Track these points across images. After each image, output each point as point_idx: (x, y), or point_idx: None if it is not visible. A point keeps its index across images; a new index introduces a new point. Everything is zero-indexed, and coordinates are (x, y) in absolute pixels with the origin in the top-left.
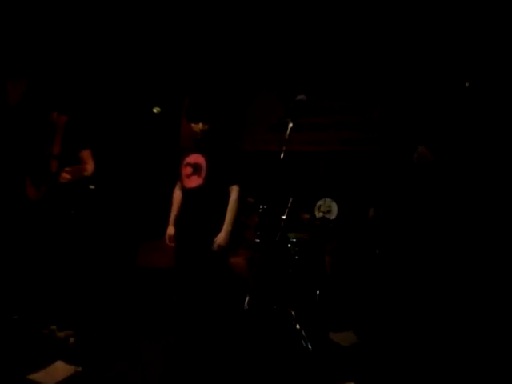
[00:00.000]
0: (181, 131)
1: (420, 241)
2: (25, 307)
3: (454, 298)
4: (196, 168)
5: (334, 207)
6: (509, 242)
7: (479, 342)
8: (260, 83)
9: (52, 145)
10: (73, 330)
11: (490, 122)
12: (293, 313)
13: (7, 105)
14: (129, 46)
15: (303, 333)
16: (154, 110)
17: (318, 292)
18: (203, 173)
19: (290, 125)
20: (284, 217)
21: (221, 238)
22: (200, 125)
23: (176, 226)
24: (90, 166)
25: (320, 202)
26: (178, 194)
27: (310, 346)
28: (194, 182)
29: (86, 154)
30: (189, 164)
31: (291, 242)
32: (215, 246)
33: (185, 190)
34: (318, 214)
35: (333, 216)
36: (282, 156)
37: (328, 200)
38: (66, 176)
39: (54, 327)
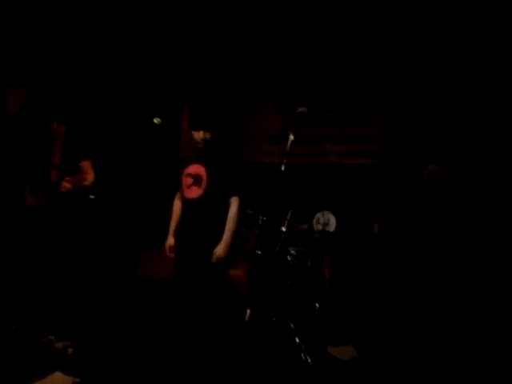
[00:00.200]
0: (180, 142)
1: (431, 258)
2: (23, 317)
3: (459, 317)
4: (196, 179)
5: (333, 220)
6: None
7: (486, 361)
8: (259, 95)
9: (52, 154)
10: (71, 341)
11: (499, 134)
12: (292, 325)
13: (6, 114)
14: (129, 56)
15: (302, 346)
16: (155, 121)
17: (317, 305)
18: (204, 183)
19: (291, 137)
20: (284, 229)
21: (220, 249)
22: (201, 133)
23: (176, 236)
24: (89, 176)
25: (318, 215)
26: (177, 205)
27: (309, 360)
28: (195, 192)
29: (86, 164)
30: (189, 174)
31: (291, 255)
32: (214, 257)
33: (185, 201)
34: (317, 227)
35: (331, 229)
36: (282, 168)
37: (326, 212)
38: (66, 185)
39: (52, 337)
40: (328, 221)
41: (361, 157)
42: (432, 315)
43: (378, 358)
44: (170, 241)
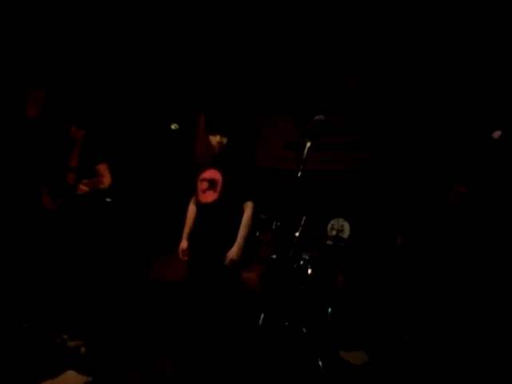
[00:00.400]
0: (195, 147)
1: (455, 272)
2: (36, 316)
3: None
4: (212, 183)
5: (347, 227)
6: None
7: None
8: (276, 103)
9: (70, 158)
10: (84, 340)
11: None
12: (304, 330)
13: (25, 117)
14: (147, 62)
15: (314, 350)
16: (172, 127)
17: (329, 310)
18: (219, 188)
19: (308, 144)
20: (297, 234)
21: (233, 252)
22: (218, 137)
23: (190, 240)
24: (106, 179)
25: (333, 222)
26: (192, 209)
27: (320, 364)
28: (210, 197)
29: (103, 168)
30: (205, 179)
31: (304, 260)
32: (227, 260)
33: (200, 205)
34: (331, 233)
35: (345, 235)
36: (299, 175)
37: (341, 220)
38: (82, 188)
39: (65, 336)
40: (342, 227)
41: (376, 164)
42: (449, 325)
43: (389, 364)
44: (184, 244)
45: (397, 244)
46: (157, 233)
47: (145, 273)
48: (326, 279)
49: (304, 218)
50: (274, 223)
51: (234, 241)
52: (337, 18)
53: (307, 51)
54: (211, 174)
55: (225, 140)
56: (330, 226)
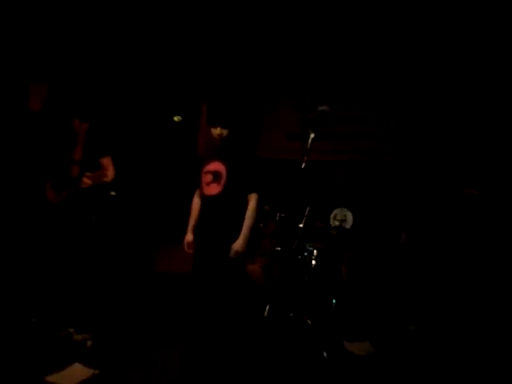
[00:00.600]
0: (198, 139)
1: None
2: (43, 310)
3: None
4: (216, 176)
5: (350, 216)
6: None
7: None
8: (279, 93)
9: (73, 151)
10: (90, 334)
11: None
12: (309, 321)
13: (28, 110)
14: (150, 55)
15: (319, 341)
16: (175, 119)
17: (334, 301)
18: (223, 180)
19: (312, 135)
20: (301, 225)
21: (238, 244)
22: (218, 129)
23: (195, 232)
24: (110, 173)
25: (336, 211)
26: (196, 202)
27: (325, 354)
28: (214, 189)
29: (107, 161)
30: (209, 172)
31: (307, 251)
32: (233, 252)
33: (204, 198)
34: (334, 223)
35: (348, 225)
36: (303, 165)
37: (344, 209)
38: (86, 181)
39: (71, 330)
40: (345, 217)
41: (379, 154)
42: (455, 316)
43: (394, 355)
44: (189, 237)
45: (401, 239)
46: (161, 225)
47: (150, 265)
48: (329, 270)
49: (308, 209)
50: (278, 214)
51: (239, 233)
52: (338, 8)
53: (310, 40)
54: (215, 166)
55: (225, 132)
56: (332, 215)
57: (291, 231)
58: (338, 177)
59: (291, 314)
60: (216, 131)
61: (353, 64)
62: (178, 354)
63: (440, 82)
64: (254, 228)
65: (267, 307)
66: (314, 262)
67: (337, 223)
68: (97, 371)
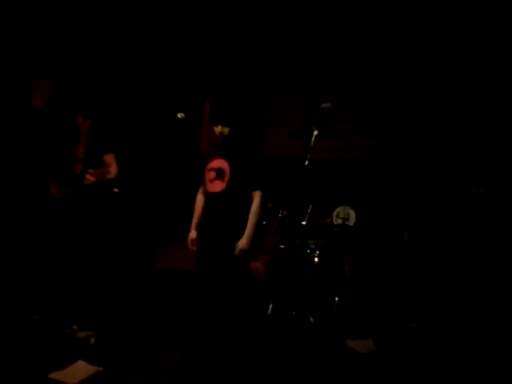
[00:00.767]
0: (200, 136)
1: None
2: (46, 307)
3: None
4: (219, 173)
5: (352, 214)
6: None
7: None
8: (280, 90)
9: (77, 148)
10: (93, 331)
11: None
12: (311, 319)
13: (31, 107)
14: (152, 52)
15: (321, 339)
16: (178, 116)
17: (336, 299)
18: (226, 178)
19: (315, 132)
20: (304, 223)
21: (243, 242)
22: (219, 127)
23: (198, 229)
24: (113, 169)
25: (338, 209)
26: (200, 199)
27: (327, 352)
28: (217, 186)
29: (110, 158)
30: (212, 169)
31: (310, 248)
32: (237, 250)
33: (208, 195)
34: (337, 221)
35: (351, 223)
36: (306, 163)
37: (347, 207)
38: (89, 178)
39: (74, 327)
40: (348, 215)
41: (382, 152)
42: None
43: (396, 352)
44: (193, 234)
45: (404, 238)
46: (164, 222)
47: (152, 262)
48: (332, 268)
49: (311, 207)
50: (281, 212)
51: (243, 230)
52: (341, 6)
53: (312, 38)
54: (218, 163)
55: (226, 130)
56: (335, 213)
57: (294, 229)
58: (341, 173)
59: (294, 312)
60: (217, 129)
61: (355, 62)
62: (180, 352)
63: (441, 79)
64: (258, 226)
65: (271, 305)
66: (316, 260)
67: (340, 221)
68: (100, 368)
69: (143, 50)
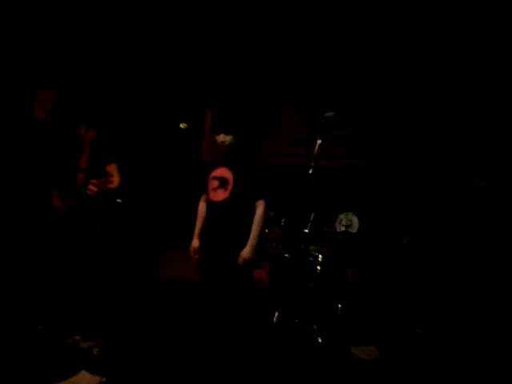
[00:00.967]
0: (202, 145)
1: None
2: (49, 317)
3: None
4: (223, 182)
5: (355, 221)
6: None
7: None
8: (281, 98)
9: (79, 158)
10: (96, 341)
11: None
12: (315, 326)
13: (33, 118)
14: (154, 62)
15: (325, 345)
16: (181, 126)
17: (339, 306)
18: (230, 187)
19: (319, 141)
20: (307, 230)
21: (246, 252)
22: (221, 136)
23: (201, 238)
24: (115, 179)
25: (341, 216)
26: (202, 207)
27: (330, 359)
28: (221, 195)
29: (112, 168)
30: (215, 178)
31: (313, 256)
32: (241, 259)
33: (211, 204)
34: (340, 228)
35: (354, 230)
36: (310, 171)
37: (349, 214)
38: (92, 188)
39: (77, 337)
40: (351, 222)
41: (383, 158)
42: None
43: (400, 359)
44: (195, 243)
45: (403, 241)
46: (166, 231)
47: (155, 271)
48: (335, 275)
49: (313, 215)
50: (283, 220)
51: (246, 240)
52: (340, 14)
53: (312, 46)
54: (222, 172)
55: (228, 139)
56: (338, 220)
57: (296, 236)
58: (343, 184)
59: (297, 320)
60: (219, 138)
61: (355, 69)
62: (185, 360)
63: (441, 84)
64: (261, 235)
65: (276, 314)
66: (319, 268)
67: (343, 228)
68: (104, 379)
69: (145, 61)
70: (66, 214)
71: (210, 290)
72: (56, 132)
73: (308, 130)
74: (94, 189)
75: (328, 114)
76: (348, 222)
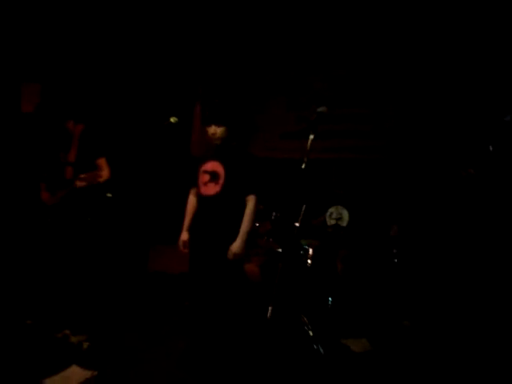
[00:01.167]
0: (191, 139)
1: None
2: (38, 312)
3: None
4: (214, 176)
5: (346, 214)
6: None
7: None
8: (271, 91)
9: (68, 152)
10: (86, 335)
11: None
12: (305, 319)
13: (20, 112)
14: (142, 56)
15: (315, 338)
16: (172, 120)
17: (330, 299)
18: (221, 181)
19: (311, 136)
20: (297, 224)
21: (236, 246)
22: (212, 127)
23: (191, 232)
24: (104, 173)
25: (331, 209)
26: (192, 200)
27: (321, 350)
28: (211, 189)
29: (102, 162)
30: (206, 171)
31: (303, 249)
32: (231, 254)
33: (201, 198)
34: (330, 222)
35: (344, 223)
36: (303, 166)
37: (340, 207)
38: (80, 183)
39: (67, 332)
40: (341, 215)
41: (373, 152)
42: (445, 310)
43: (390, 351)
44: (184, 236)
45: (391, 233)
46: (155, 225)
47: (145, 265)
48: (325, 268)
49: (304, 208)
50: (273, 214)
51: (237, 234)
52: (331, 7)
53: (302, 39)
54: (213, 166)
55: (219, 130)
56: (328, 213)
57: (287, 230)
58: (334, 176)
59: (288, 313)
60: (210, 130)
61: (345, 62)
62: (176, 354)
63: (433, 79)
64: (251, 230)
65: (270, 308)
66: (309, 261)
67: (333, 222)
68: (95, 373)
69: (133, 54)
70: (56, 207)
71: (200, 284)
72: (44, 126)
73: (298, 124)
74: (83, 183)
75: (320, 109)
76: (338, 215)
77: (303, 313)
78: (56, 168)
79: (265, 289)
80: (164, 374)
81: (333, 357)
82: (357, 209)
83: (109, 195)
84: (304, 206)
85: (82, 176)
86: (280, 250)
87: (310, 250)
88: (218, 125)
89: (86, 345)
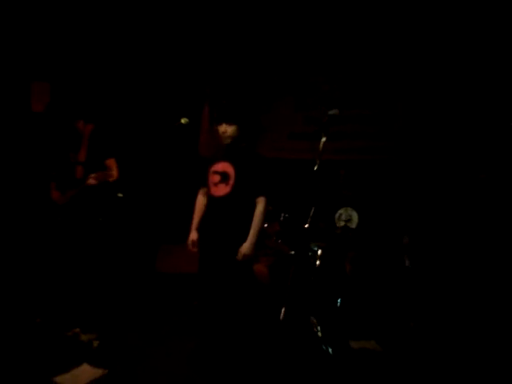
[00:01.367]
0: (200, 139)
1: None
2: (48, 310)
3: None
4: (224, 176)
5: (355, 216)
6: None
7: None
8: (279, 91)
9: (78, 152)
10: (96, 333)
11: None
12: (315, 320)
13: (31, 112)
14: (152, 56)
15: (324, 340)
16: (182, 121)
17: (339, 300)
18: (231, 182)
19: (324, 139)
20: (306, 226)
21: (246, 247)
22: (223, 126)
23: (200, 232)
24: (114, 173)
25: (341, 211)
26: (201, 200)
27: (330, 351)
28: (222, 190)
29: (111, 162)
30: (216, 172)
31: (312, 251)
32: (240, 255)
33: (211, 198)
34: (339, 223)
35: (353, 225)
36: (315, 168)
37: (349, 209)
38: (91, 182)
39: (77, 330)
40: (350, 217)
41: (382, 153)
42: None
43: (399, 352)
44: (193, 235)
45: (404, 242)
46: (165, 224)
47: (153, 265)
48: (334, 270)
49: (313, 210)
50: (282, 215)
51: (246, 235)
52: (337, 8)
53: (309, 41)
54: (223, 166)
55: (230, 129)
56: (337, 215)
57: (296, 231)
58: (342, 178)
59: (298, 315)
60: (221, 128)
61: (352, 63)
62: (186, 353)
63: (438, 78)
64: (261, 231)
65: (283, 310)
66: (318, 262)
67: (342, 223)
68: (106, 371)
69: (143, 54)
70: (66, 207)
71: (209, 284)
72: (54, 125)
73: (306, 124)
74: (93, 182)
75: (332, 111)
76: (347, 217)
77: (312, 314)
78: (66, 167)
79: (273, 289)
80: (173, 373)
81: (341, 358)
82: (366, 211)
83: (120, 195)
84: (313, 208)
85: (92, 176)
86: (289, 251)
87: (319, 251)
88: (229, 123)
89: (96, 343)
